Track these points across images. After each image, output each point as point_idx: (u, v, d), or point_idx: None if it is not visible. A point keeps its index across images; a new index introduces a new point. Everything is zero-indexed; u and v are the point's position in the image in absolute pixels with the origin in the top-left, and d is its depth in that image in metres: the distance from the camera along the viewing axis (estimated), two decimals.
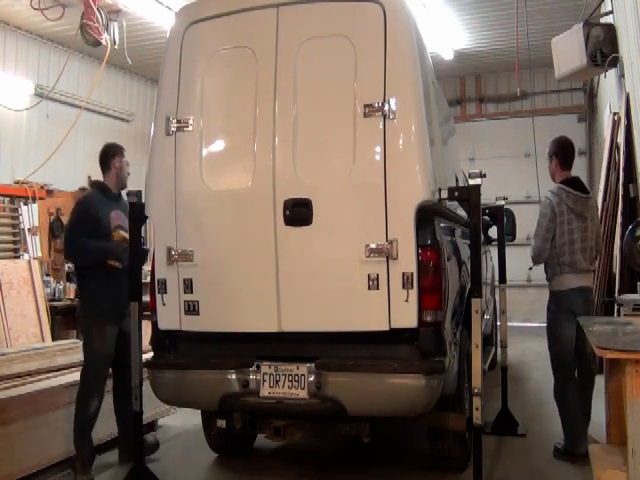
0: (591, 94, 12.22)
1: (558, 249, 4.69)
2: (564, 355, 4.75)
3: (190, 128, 3.91)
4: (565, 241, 4.67)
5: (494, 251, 5.93)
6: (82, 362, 4.63)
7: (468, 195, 3.71)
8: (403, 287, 3.52)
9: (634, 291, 6.23)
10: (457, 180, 5.02)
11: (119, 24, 8.66)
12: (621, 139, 7.26)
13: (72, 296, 9.50)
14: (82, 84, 10.30)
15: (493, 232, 6.14)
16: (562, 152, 4.98)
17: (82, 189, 10.67)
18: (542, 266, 5.25)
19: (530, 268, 5.22)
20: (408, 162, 3.54)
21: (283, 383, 3.71)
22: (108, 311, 4.49)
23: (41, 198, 9.50)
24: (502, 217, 5.57)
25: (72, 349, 5.94)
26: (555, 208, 4.69)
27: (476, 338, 3.66)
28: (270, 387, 3.73)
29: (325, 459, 4.91)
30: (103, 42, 8.30)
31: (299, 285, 3.71)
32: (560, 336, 4.73)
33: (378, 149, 3.56)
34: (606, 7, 7.96)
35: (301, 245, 3.71)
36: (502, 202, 5.57)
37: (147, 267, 4.58)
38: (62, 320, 9.65)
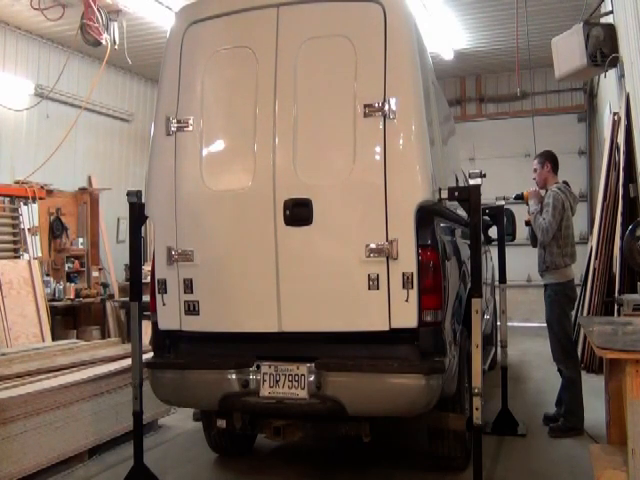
0: (591, 94, 12.22)
1: (563, 240, 5.18)
2: (571, 339, 5.37)
3: (190, 128, 3.91)
4: (569, 234, 5.25)
5: (494, 251, 5.93)
6: (82, 362, 4.63)
7: (468, 195, 3.71)
8: (403, 287, 3.52)
9: (634, 291, 6.24)
10: (457, 180, 5.02)
11: (119, 24, 8.65)
12: (621, 139, 7.27)
13: (72, 296, 9.53)
14: (82, 84, 10.29)
15: (493, 232, 6.15)
16: (553, 159, 5.48)
17: (82, 189, 10.69)
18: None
19: (526, 223, 5.53)
20: (408, 162, 3.54)
21: (283, 383, 3.71)
22: None
23: (41, 198, 9.51)
24: (502, 217, 5.58)
25: (72, 349, 5.94)
26: (565, 203, 5.18)
27: (476, 338, 3.66)
28: (270, 387, 3.73)
29: (325, 459, 4.91)
30: (103, 42, 8.29)
31: (299, 285, 3.71)
32: (568, 324, 5.27)
33: (378, 149, 3.56)
34: (606, 7, 7.97)
35: (301, 245, 3.70)
36: (502, 202, 5.58)
37: (147, 267, 4.58)
38: (62, 320, 9.68)
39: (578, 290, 6.70)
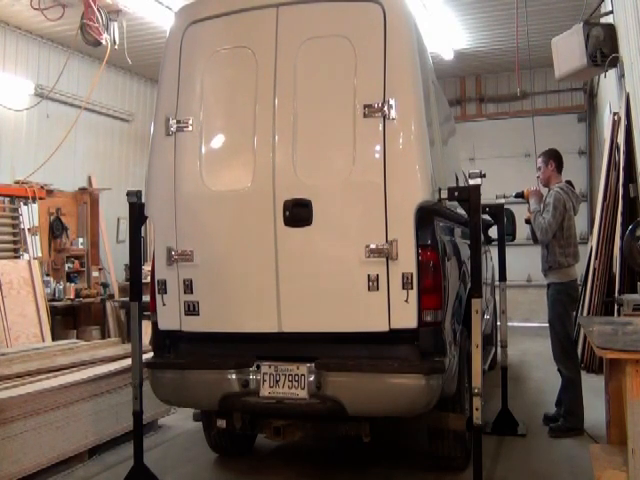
0: (591, 94, 12.22)
1: (565, 240, 5.16)
2: (571, 339, 5.33)
3: (190, 128, 3.91)
4: (571, 234, 5.22)
5: (494, 251, 5.93)
6: (82, 362, 4.63)
7: (468, 195, 3.71)
8: (403, 287, 3.52)
9: (634, 291, 6.23)
10: (457, 180, 5.02)
11: (119, 24, 8.66)
12: (621, 139, 7.26)
13: (72, 296, 9.52)
14: (82, 84, 10.29)
15: (493, 232, 6.15)
16: (557, 158, 5.44)
17: (82, 189, 10.69)
18: (540, 267, 5.39)
19: (527, 220, 5.50)
20: (408, 162, 3.54)
21: (283, 383, 3.71)
22: None
23: (41, 198, 9.50)
24: (502, 215, 5.57)
25: (72, 349, 5.94)
26: (566, 203, 5.15)
27: (476, 338, 3.65)
28: (270, 387, 3.73)
29: (325, 459, 4.91)
30: (103, 42, 8.29)
31: (299, 286, 3.71)
32: (570, 324, 5.23)
33: (378, 149, 3.56)
34: (606, 7, 7.96)
35: (301, 246, 3.70)
36: (502, 200, 5.57)
37: (147, 267, 4.58)
38: (62, 320, 9.67)
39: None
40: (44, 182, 9.61)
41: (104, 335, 9.89)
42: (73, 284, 9.89)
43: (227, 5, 3.96)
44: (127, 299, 8.07)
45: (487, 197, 4.53)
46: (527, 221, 5.48)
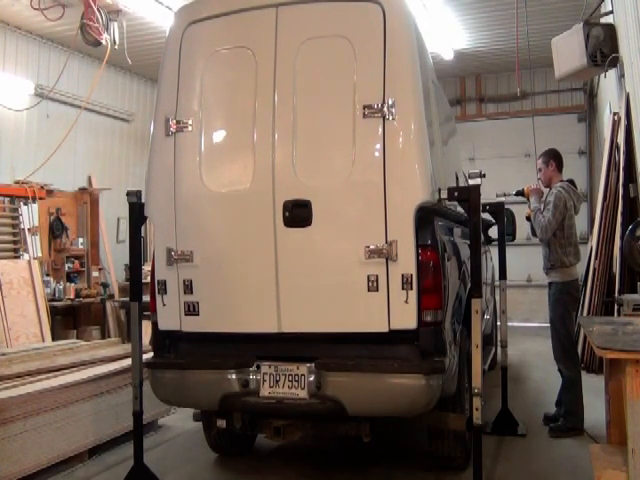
0: (591, 94, 12.22)
1: (565, 239, 5.16)
2: (572, 339, 5.33)
3: (189, 129, 3.91)
4: (571, 233, 5.22)
5: (494, 251, 5.93)
6: (82, 362, 4.63)
7: (468, 195, 3.71)
8: (402, 288, 3.51)
9: (634, 291, 6.23)
10: (457, 180, 5.02)
11: (119, 24, 8.66)
12: (621, 139, 7.26)
13: (72, 296, 9.52)
14: (82, 84, 10.29)
15: (493, 232, 6.14)
16: (557, 158, 5.44)
17: (82, 189, 10.69)
18: (542, 266, 5.38)
19: (527, 217, 5.51)
20: (407, 163, 3.54)
21: (283, 383, 3.71)
22: None
23: (41, 198, 9.50)
24: (502, 213, 5.56)
25: (72, 349, 5.94)
26: (567, 202, 5.15)
27: (476, 338, 3.66)
28: (270, 387, 3.73)
29: (325, 459, 4.91)
30: (103, 42, 8.30)
31: (299, 286, 3.71)
32: (571, 323, 5.22)
33: (377, 150, 3.56)
34: (606, 7, 7.97)
35: (301, 246, 3.70)
36: (502, 198, 5.57)
37: (147, 267, 4.58)
38: (62, 320, 9.68)
39: None
40: (44, 182, 9.61)
41: (104, 335, 9.89)
42: (73, 284, 9.89)
43: (227, 5, 3.96)
44: (127, 299, 8.07)
45: (487, 197, 4.54)
46: (528, 218, 5.48)
